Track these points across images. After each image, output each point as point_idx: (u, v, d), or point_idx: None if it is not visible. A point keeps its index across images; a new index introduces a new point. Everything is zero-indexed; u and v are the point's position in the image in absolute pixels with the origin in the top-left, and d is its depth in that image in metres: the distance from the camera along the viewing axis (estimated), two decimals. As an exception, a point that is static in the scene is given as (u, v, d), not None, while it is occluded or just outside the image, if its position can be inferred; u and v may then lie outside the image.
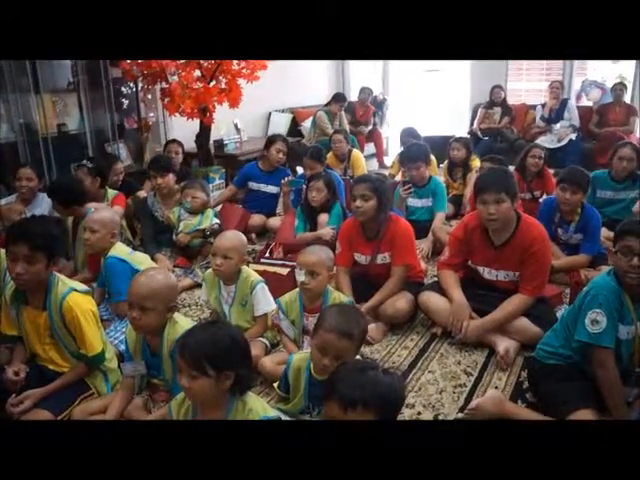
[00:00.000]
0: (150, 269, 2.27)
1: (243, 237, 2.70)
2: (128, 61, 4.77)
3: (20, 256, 2.08)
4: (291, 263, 2.98)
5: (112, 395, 2.21)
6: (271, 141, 4.53)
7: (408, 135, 5.43)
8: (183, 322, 2.12)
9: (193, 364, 1.52)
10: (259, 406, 1.67)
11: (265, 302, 2.60)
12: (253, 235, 4.26)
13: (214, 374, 1.53)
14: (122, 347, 2.51)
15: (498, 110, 7.10)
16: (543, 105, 6.89)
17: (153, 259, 3.19)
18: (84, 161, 3.91)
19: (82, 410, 2.13)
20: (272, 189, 4.49)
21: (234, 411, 1.63)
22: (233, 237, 2.65)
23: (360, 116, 7.48)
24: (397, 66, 8.89)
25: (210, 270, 2.72)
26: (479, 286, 2.80)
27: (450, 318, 2.69)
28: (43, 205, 3.71)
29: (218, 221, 3.72)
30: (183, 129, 5.48)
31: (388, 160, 7.33)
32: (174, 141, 4.93)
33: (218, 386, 1.55)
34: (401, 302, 2.86)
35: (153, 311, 2.00)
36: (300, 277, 2.37)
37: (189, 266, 3.61)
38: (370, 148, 7.45)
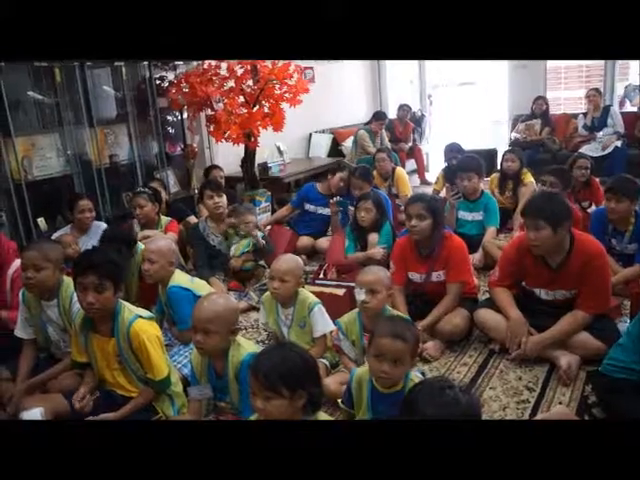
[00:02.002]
0: (212, 294, 2.34)
1: (299, 260, 2.74)
2: (174, 90, 4.94)
3: (90, 286, 2.18)
4: (346, 283, 3.01)
5: (179, 418, 2.26)
6: (337, 168, 4.65)
7: (452, 150, 5.42)
8: (246, 345, 2.17)
9: (267, 385, 1.56)
10: None
11: (323, 323, 2.63)
12: (303, 257, 4.31)
13: (288, 394, 1.56)
14: (185, 371, 2.57)
15: (538, 121, 7.03)
16: (585, 114, 6.81)
17: (208, 283, 3.25)
18: (139, 188, 4.04)
19: (152, 434, 2.19)
20: (327, 211, 4.55)
21: None
22: (290, 260, 2.70)
23: (400, 133, 7.51)
24: (432, 81, 8.92)
25: (268, 293, 2.78)
26: (535, 302, 2.77)
27: (507, 335, 2.67)
28: (97, 235, 3.81)
29: (260, 237, 3.78)
30: (227, 154, 5.62)
31: (429, 176, 7.33)
32: (215, 166, 5.07)
33: (292, 406, 1.58)
34: (457, 319, 2.86)
35: (216, 334, 2.05)
36: (360, 296, 2.40)
37: (243, 289, 3.68)
38: (411, 164, 7.46)
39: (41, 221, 4.12)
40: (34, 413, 2.17)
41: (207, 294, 2.32)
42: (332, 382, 2.43)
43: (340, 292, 2.97)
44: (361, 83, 8.45)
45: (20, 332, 2.70)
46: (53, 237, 3.70)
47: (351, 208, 4.14)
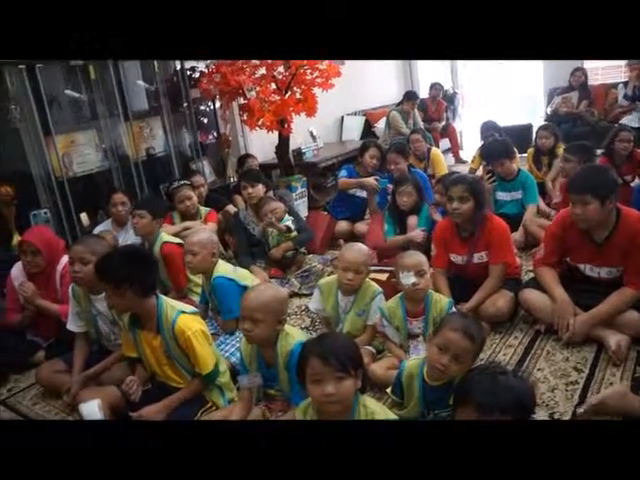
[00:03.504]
0: (261, 284, 2.38)
1: (368, 250, 2.74)
2: (206, 81, 4.96)
3: (110, 292, 2.26)
4: (388, 268, 3.01)
5: (231, 407, 2.31)
6: (364, 147, 4.59)
7: (489, 128, 5.34)
8: (295, 333, 2.19)
9: (339, 367, 1.60)
10: (379, 409, 1.74)
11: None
12: (341, 241, 4.32)
13: (354, 374, 1.63)
14: (233, 359, 2.62)
15: (575, 94, 6.84)
16: (625, 83, 6.59)
17: (249, 271, 3.29)
18: (182, 181, 4.10)
19: (205, 423, 2.24)
20: (365, 194, 4.56)
21: (357, 415, 1.70)
22: (363, 251, 2.69)
23: (433, 112, 7.41)
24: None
25: (327, 279, 2.82)
26: (580, 281, 2.72)
27: (555, 317, 2.64)
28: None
29: (289, 224, 3.79)
30: (261, 142, 5.64)
31: (463, 154, 7.23)
32: (249, 155, 5.10)
33: (355, 386, 1.65)
34: (501, 301, 2.83)
35: (264, 323, 2.08)
36: (410, 279, 2.40)
37: (284, 276, 3.71)
38: (445, 143, 7.37)
39: (83, 216, 4.21)
40: (92, 405, 2.24)
41: (256, 284, 2.36)
42: (378, 368, 2.45)
43: (383, 277, 2.97)
44: (391, 63, 8.34)
45: (72, 325, 2.79)
46: (94, 232, 3.78)
47: (389, 185, 4.13)
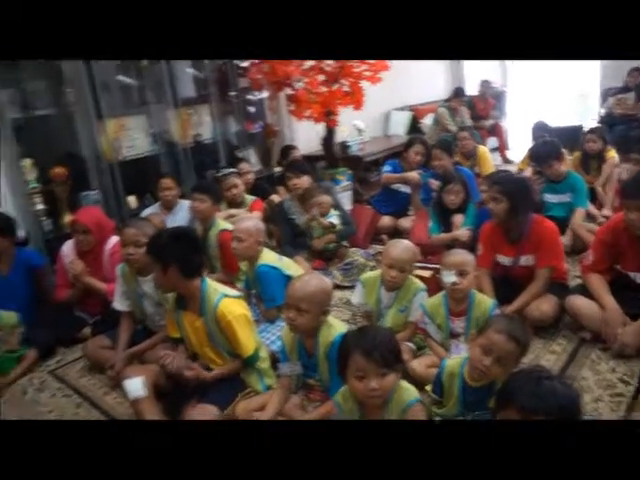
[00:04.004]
0: (307, 274, 2.39)
1: (414, 248, 2.73)
2: (254, 71, 5.00)
3: (156, 269, 2.32)
4: (432, 265, 2.99)
5: (270, 393, 2.33)
6: (410, 143, 4.58)
7: (539, 129, 5.23)
8: (337, 325, 2.20)
9: (384, 363, 1.63)
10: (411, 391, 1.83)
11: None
12: (384, 236, 4.30)
13: (397, 368, 1.67)
14: (274, 347, 2.64)
15: (631, 95, 6.63)
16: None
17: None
18: (229, 169, 4.15)
19: (244, 408, 2.27)
20: (409, 189, 4.53)
21: (391, 404, 1.76)
22: (409, 248, 2.68)
23: (481, 110, 7.29)
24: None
25: (370, 274, 2.84)
26: (631, 289, 2.65)
27: (603, 326, 2.57)
28: (183, 212, 3.96)
29: (334, 220, 3.79)
30: (307, 133, 5.65)
31: (511, 154, 7.10)
32: (291, 147, 5.13)
33: (396, 380, 1.69)
34: (546, 305, 2.78)
35: (308, 313, 2.09)
36: (450, 278, 2.38)
37: (326, 268, 3.72)
38: (492, 142, 7.24)
39: (131, 199, 4.29)
40: (136, 382, 2.29)
41: (302, 274, 2.37)
42: (418, 365, 2.44)
43: (427, 274, 2.95)
44: (440, 58, 8.24)
45: (118, 304, 2.86)
46: (142, 215, 3.86)
47: (433, 182, 4.09)
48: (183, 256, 2.27)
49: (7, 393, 2.82)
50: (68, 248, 3.22)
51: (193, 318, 2.38)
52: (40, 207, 3.84)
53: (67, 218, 3.79)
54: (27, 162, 3.81)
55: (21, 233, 3.52)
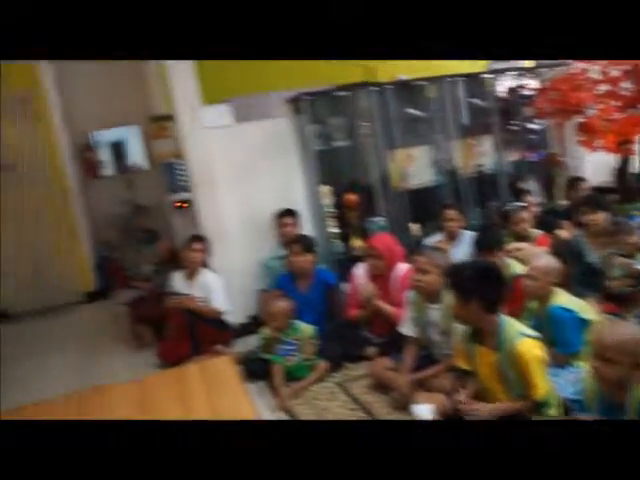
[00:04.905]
0: (617, 321, 2.21)
1: None
2: (541, 99, 4.81)
3: (456, 302, 2.34)
4: None
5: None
6: None
7: None
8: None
9: None
10: None
11: None
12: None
13: None
14: (565, 394, 2.48)
15: None
16: None
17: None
18: (517, 202, 4.08)
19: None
20: None
21: None
22: None
23: None
24: None
25: None
26: None
27: None
28: (466, 243, 3.95)
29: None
30: (593, 163, 5.24)
31: None
32: (580, 178, 4.85)
33: None
34: None
35: (619, 365, 1.92)
36: None
37: (620, 313, 3.37)
38: None
39: (415, 227, 4.46)
40: (425, 409, 2.37)
41: (614, 321, 2.21)
42: None
43: None
44: None
45: (406, 329, 2.99)
46: (425, 243, 3.99)
47: None
48: (487, 291, 2.28)
49: (303, 397, 3.14)
50: (360, 271, 3.48)
51: (487, 353, 2.37)
52: (333, 230, 4.23)
53: (356, 242, 4.11)
54: (324, 189, 4.24)
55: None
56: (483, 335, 2.38)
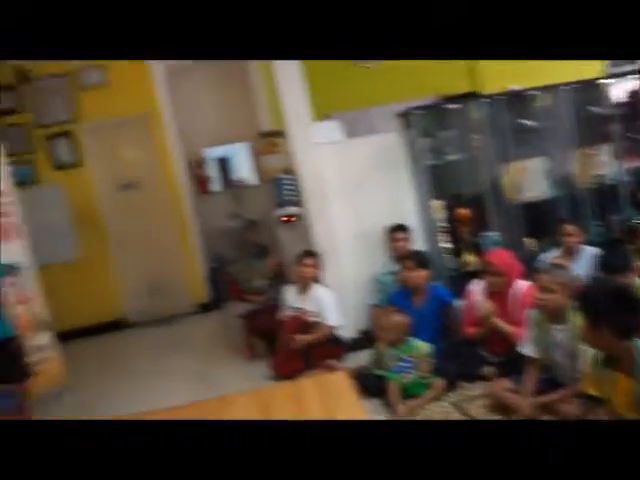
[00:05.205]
0: None
1: None
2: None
3: (586, 326, 2.21)
4: None
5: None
6: None
7: None
8: None
9: None
10: None
11: None
12: None
13: None
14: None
15: None
16: None
17: None
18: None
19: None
20: None
21: None
22: None
23: None
24: None
25: None
26: None
27: None
28: (586, 260, 3.76)
29: None
30: None
31: None
32: None
33: None
34: None
35: None
36: None
37: None
38: None
39: (530, 242, 4.30)
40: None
41: None
42: None
43: None
44: None
45: (526, 349, 2.88)
46: (542, 259, 3.83)
47: None
48: (619, 317, 2.15)
49: (418, 416, 3.09)
50: (476, 287, 3.40)
51: (624, 380, 2.23)
52: (445, 245, 4.16)
53: (468, 257, 4.02)
54: (436, 203, 4.19)
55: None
56: (618, 361, 2.25)
